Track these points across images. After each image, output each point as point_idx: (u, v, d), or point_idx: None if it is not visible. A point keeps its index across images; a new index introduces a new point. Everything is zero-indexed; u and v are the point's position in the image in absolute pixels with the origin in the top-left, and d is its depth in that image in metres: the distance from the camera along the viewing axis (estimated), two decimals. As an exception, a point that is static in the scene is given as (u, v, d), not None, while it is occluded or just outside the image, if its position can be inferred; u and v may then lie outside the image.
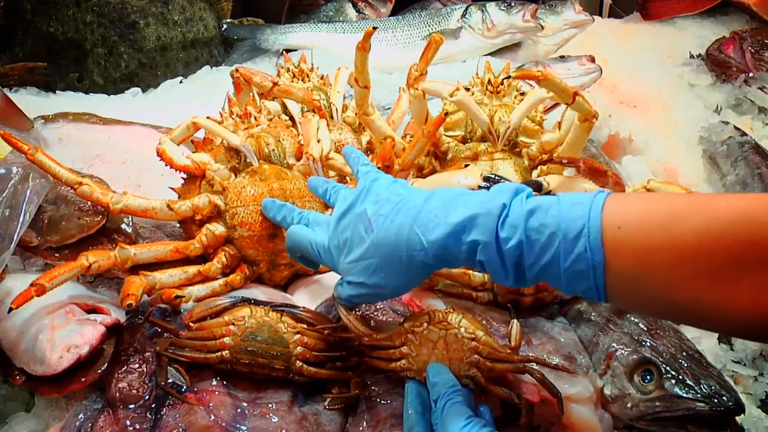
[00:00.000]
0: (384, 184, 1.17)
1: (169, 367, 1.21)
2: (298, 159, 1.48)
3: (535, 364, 1.21)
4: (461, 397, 1.11)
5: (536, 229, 0.95)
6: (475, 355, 1.18)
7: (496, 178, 1.39)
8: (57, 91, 2.29)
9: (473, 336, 1.19)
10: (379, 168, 1.46)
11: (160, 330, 1.28)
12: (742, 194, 1.80)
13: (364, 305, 1.33)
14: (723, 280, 0.86)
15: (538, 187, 1.39)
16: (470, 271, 1.37)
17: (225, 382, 1.22)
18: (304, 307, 1.30)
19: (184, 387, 1.20)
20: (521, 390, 1.21)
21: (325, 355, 1.25)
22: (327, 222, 1.22)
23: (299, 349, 1.23)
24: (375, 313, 1.33)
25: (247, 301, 1.28)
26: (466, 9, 2.46)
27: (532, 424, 1.19)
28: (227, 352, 1.22)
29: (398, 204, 1.10)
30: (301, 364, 1.23)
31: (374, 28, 1.45)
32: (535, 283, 1.01)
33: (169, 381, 1.20)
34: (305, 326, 1.25)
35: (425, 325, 1.20)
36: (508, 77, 1.52)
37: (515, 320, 1.24)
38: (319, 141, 1.48)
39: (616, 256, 0.91)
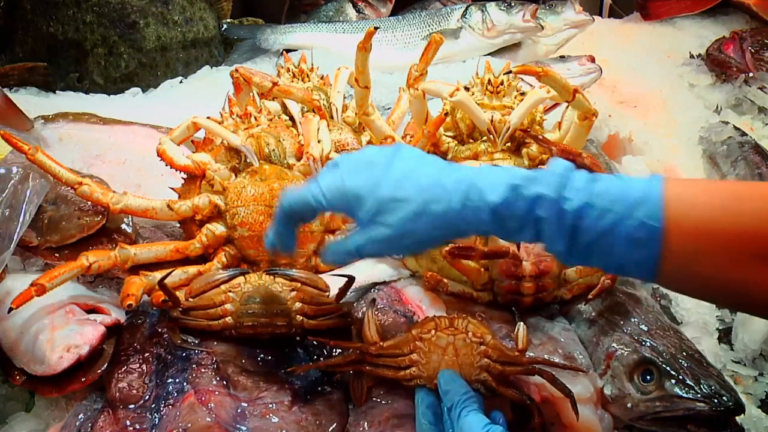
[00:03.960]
0: (416, 152, 1.07)
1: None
2: (299, 159, 1.48)
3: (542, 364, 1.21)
4: (476, 404, 1.10)
5: (599, 194, 0.93)
6: (485, 359, 1.18)
7: None
8: (57, 91, 2.28)
9: (481, 340, 1.19)
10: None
11: (159, 330, 1.28)
12: None
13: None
14: None
15: None
16: (482, 269, 1.37)
17: (225, 382, 1.22)
18: (296, 269, 1.33)
19: (198, 341, 1.27)
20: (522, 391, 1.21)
21: (323, 308, 1.29)
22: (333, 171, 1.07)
23: (297, 304, 1.28)
24: (375, 313, 1.33)
25: (243, 274, 1.31)
26: (466, 9, 2.46)
27: (545, 425, 1.19)
28: (230, 318, 1.26)
29: (449, 164, 1.04)
30: (301, 318, 1.27)
31: (376, 29, 1.45)
32: (584, 257, 0.96)
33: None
34: (299, 284, 1.29)
35: (433, 331, 1.19)
36: (509, 72, 1.53)
37: (521, 323, 1.24)
38: (319, 141, 1.48)
39: (676, 227, 0.90)
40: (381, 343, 1.21)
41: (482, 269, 1.38)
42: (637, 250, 0.92)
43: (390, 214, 1.01)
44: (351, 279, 1.30)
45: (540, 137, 1.40)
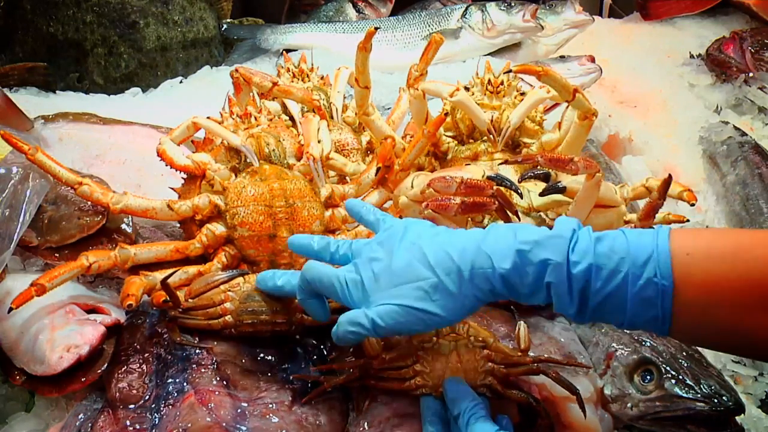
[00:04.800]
0: (426, 224, 1.11)
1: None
2: (299, 159, 1.48)
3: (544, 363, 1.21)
4: (483, 410, 1.09)
5: (605, 255, 0.94)
6: (489, 363, 1.18)
7: (500, 179, 1.39)
8: (57, 91, 2.29)
9: (484, 344, 1.19)
10: (379, 168, 1.47)
11: (159, 330, 1.29)
12: None
13: None
14: None
15: (546, 178, 1.39)
16: None
17: (225, 382, 1.22)
18: (295, 269, 1.32)
19: (197, 339, 1.27)
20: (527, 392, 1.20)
21: None
22: (355, 261, 1.13)
23: (297, 302, 1.27)
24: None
25: (243, 275, 1.31)
26: (466, 9, 2.46)
27: (553, 426, 1.19)
28: (230, 316, 1.27)
29: (454, 233, 1.06)
30: (300, 314, 1.27)
31: (376, 29, 1.45)
32: (595, 317, 0.97)
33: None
34: None
35: (434, 339, 1.19)
36: (509, 72, 1.53)
37: (521, 322, 1.24)
38: (319, 141, 1.48)
39: (685, 282, 0.91)
40: (384, 356, 1.20)
41: None
42: (648, 308, 0.93)
43: (403, 295, 1.04)
44: None
45: (519, 160, 1.38)
